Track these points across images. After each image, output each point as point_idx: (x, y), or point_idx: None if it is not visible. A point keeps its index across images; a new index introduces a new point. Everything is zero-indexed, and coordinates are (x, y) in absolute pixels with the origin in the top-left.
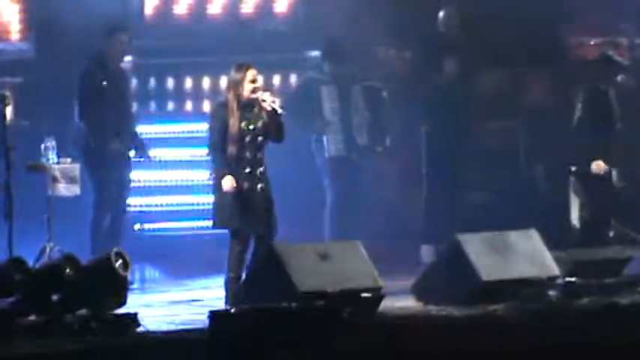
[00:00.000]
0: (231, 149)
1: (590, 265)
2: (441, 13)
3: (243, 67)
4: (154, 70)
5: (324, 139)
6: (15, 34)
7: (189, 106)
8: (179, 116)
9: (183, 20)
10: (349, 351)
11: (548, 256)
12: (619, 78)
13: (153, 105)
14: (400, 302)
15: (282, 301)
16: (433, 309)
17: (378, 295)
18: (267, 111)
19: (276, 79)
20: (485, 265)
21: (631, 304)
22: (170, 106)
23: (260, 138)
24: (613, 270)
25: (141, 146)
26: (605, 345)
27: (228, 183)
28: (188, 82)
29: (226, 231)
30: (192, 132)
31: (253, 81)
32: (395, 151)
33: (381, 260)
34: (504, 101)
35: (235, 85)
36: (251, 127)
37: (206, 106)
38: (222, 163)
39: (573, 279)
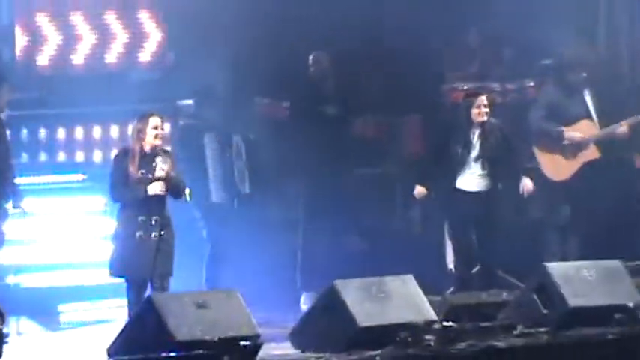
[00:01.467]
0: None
1: (467, 309)
2: (310, 58)
3: (145, 116)
4: (24, 121)
5: (209, 185)
6: None
7: (61, 156)
8: (52, 166)
9: (48, 71)
10: None
11: (424, 301)
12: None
13: (25, 156)
14: (278, 350)
15: (161, 350)
16: (311, 356)
17: (256, 343)
18: (159, 176)
19: None
20: (362, 311)
21: (508, 347)
22: (43, 157)
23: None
24: (489, 314)
25: (18, 197)
26: None
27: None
28: (60, 133)
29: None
30: (67, 182)
31: (155, 128)
32: (273, 199)
33: (260, 308)
34: (378, 147)
35: (138, 134)
36: (150, 176)
37: (79, 157)
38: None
39: (450, 323)
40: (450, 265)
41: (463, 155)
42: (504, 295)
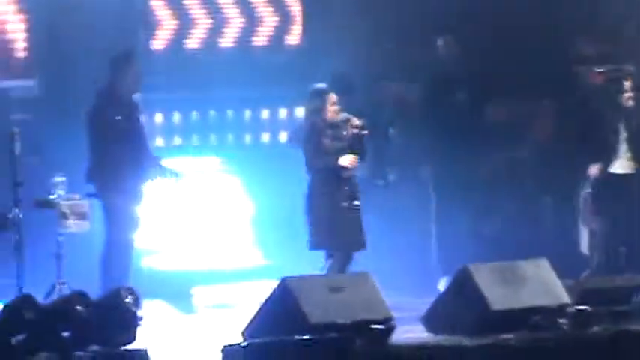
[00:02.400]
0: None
1: (600, 293)
2: (439, 43)
3: (322, 92)
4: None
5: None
6: (22, 71)
7: (195, 140)
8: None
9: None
10: None
11: (558, 285)
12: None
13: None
14: (411, 333)
15: (294, 333)
16: (443, 339)
17: (389, 326)
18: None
19: (283, 114)
20: (494, 294)
21: None
22: (177, 140)
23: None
24: (623, 297)
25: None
26: None
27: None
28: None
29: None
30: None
31: (334, 103)
32: (407, 183)
33: (394, 292)
34: (511, 132)
35: (317, 110)
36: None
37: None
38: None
39: (583, 307)
40: (584, 250)
41: (614, 140)
42: (639, 279)
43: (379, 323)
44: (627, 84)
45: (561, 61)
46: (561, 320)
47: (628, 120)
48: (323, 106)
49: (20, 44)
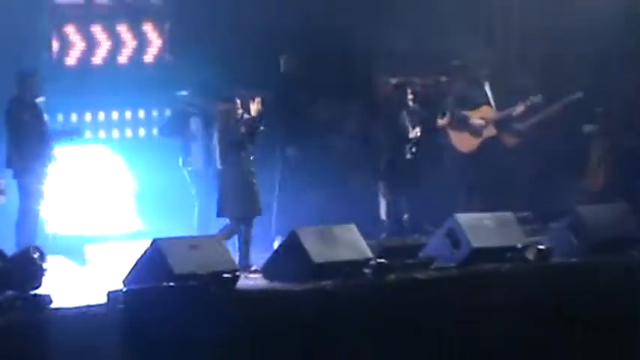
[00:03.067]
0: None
1: (395, 250)
2: (282, 61)
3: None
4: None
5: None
6: None
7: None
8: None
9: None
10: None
11: (363, 243)
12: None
13: None
14: (252, 281)
15: (163, 281)
16: (278, 285)
17: (234, 276)
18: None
19: (154, 113)
20: (316, 251)
21: (426, 278)
22: None
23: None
24: (412, 253)
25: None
26: (408, 311)
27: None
28: (87, 116)
29: None
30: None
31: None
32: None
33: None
34: (333, 125)
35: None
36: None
37: (101, 134)
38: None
39: (382, 260)
40: (383, 217)
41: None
42: (423, 239)
43: (228, 273)
44: (410, 90)
45: (367, 73)
46: (366, 270)
47: (412, 117)
48: (233, 107)
49: None
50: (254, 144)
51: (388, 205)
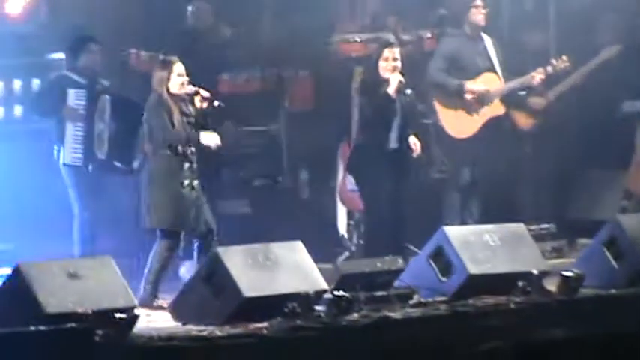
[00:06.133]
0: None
1: (360, 278)
2: (190, 9)
3: (169, 62)
4: None
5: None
6: None
7: None
8: None
9: None
10: None
11: (314, 269)
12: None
13: None
14: (157, 323)
15: (29, 324)
16: (193, 328)
17: (132, 315)
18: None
19: (17, 84)
20: (247, 280)
21: (403, 318)
22: None
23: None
24: (384, 282)
25: None
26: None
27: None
28: None
29: None
30: None
31: (180, 75)
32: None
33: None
34: (266, 103)
35: (162, 82)
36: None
37: None
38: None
39: (342, 293)
40: (342, 231)
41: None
42: (399, 262)
43: (122, 312)
44: (389, 53)
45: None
46: (318, 307)
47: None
48: (168, 77)
49: None
50: None
51: (350, 213)
